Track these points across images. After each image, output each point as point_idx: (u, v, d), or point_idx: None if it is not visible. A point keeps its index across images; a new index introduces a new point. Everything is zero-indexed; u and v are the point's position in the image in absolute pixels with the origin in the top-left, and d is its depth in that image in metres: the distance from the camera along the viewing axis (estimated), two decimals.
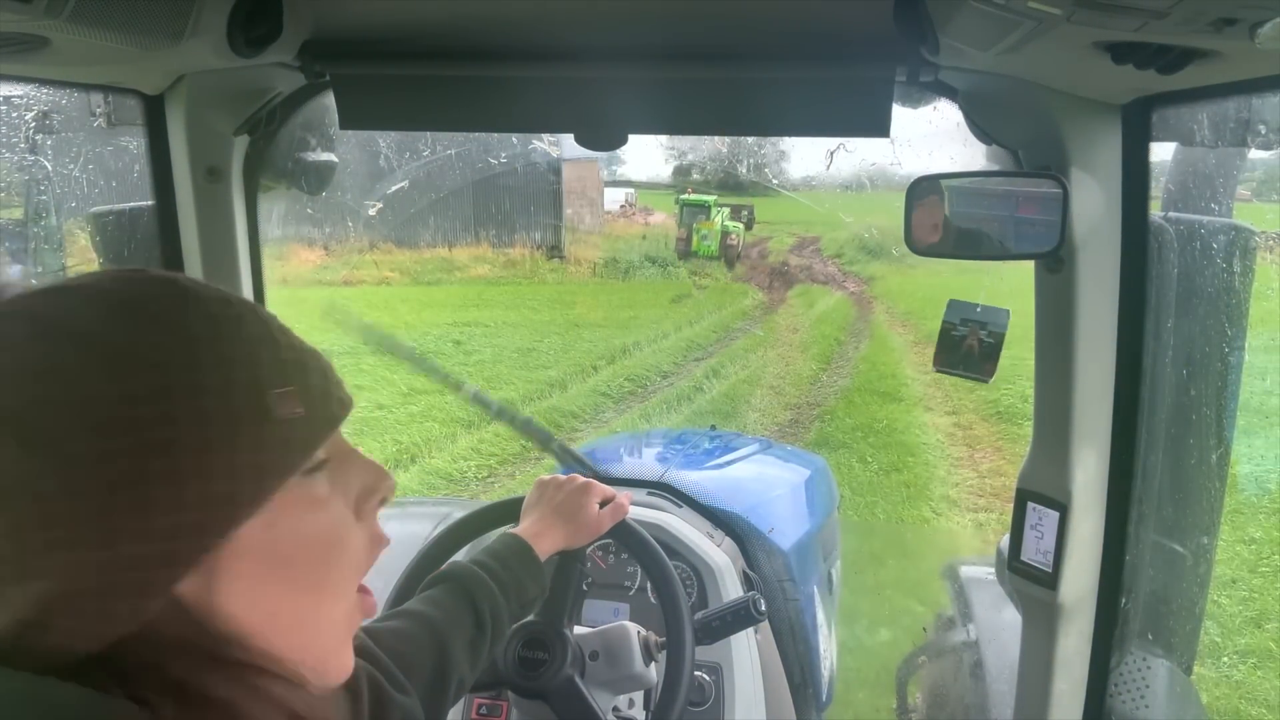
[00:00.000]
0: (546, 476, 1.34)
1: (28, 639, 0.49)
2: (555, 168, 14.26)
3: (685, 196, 14.96)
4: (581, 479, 1.32)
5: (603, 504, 1.31)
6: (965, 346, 1.19)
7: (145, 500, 0.49)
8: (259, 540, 0.54)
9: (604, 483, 1.33)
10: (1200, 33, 0.70)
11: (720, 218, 14.40)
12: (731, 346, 11.32)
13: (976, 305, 1.19)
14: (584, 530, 1.28)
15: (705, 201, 14.57)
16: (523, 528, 1.23)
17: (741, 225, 14.68)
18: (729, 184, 15.09)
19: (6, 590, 0.49)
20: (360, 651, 0.74)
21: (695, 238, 14.39)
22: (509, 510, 1.43)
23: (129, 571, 0.50)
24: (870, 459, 7.36)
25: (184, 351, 0.52)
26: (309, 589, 0.58)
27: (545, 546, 1.20)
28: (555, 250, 14.94)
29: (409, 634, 0.97)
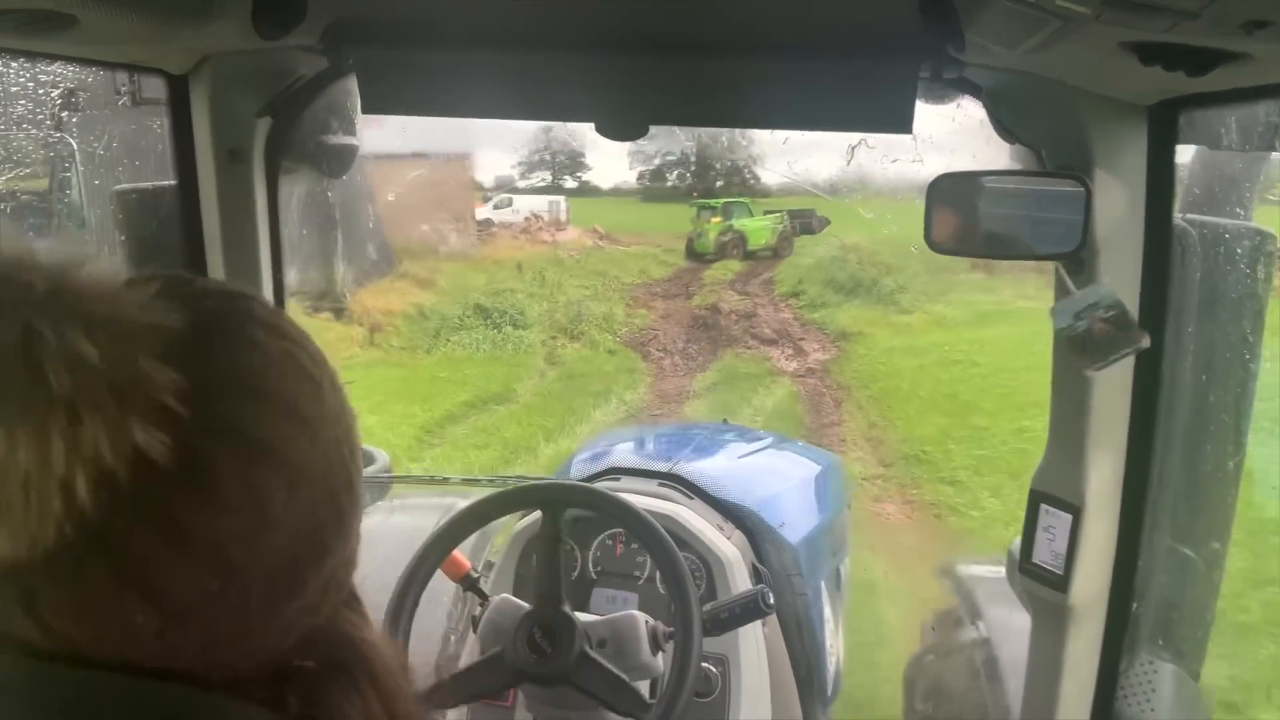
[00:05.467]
0: None
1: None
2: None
3: (696, 199, 14.84)
4: None
5: None
6: (1099, 334, 1.10)
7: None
8: None
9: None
10: (1231, 34, 0.70)
11: (720, 218, 14.20)
12: None
13: (1073, 294, 1.10)
14: None
15: (712, 204, 14.39)
16: None
17: (765, 224, 14.10)
18: (698, 188, 15.01)
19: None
20: None
21: (696, 236, 14.15)
22: (526, 496, 1.43)
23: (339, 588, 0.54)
24: None
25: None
26: None
27: None
28: (325, 300, 8.17)
29: None
